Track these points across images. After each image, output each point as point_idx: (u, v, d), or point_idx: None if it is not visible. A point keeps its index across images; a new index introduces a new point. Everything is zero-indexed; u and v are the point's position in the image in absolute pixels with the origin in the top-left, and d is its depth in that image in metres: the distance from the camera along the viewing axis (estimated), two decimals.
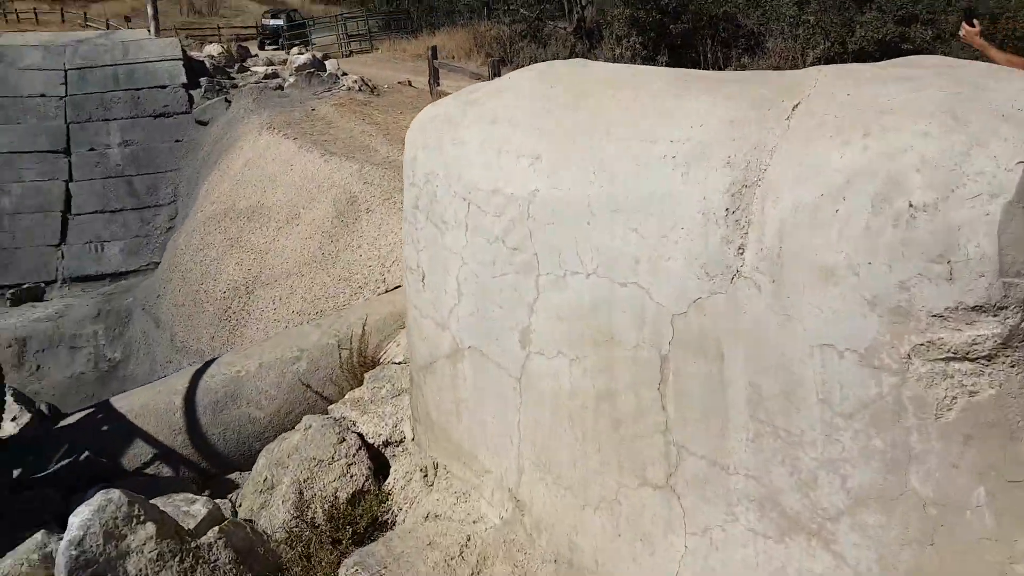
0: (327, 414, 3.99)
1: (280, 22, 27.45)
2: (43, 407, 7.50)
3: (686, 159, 2.13)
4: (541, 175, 2.48)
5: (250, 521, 3.23)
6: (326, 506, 3.22)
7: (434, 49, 12.55)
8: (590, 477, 2.44)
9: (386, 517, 3.27)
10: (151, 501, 3.13)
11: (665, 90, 2.40)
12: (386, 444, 3.62)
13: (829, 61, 12.28)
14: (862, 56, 12.19)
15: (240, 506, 3.41)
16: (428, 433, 3.20)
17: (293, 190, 8.20)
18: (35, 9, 34.39)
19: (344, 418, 3.80)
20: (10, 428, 6.42)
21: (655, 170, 2.19)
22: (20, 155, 11.13)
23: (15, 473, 3.68)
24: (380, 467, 3.54)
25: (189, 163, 11.78)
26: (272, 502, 3.28)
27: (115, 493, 2.48)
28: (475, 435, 2.86)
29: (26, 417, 6.57)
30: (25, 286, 9.95)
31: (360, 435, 3.63)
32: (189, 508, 3.10)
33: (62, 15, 33.70)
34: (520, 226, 2.53)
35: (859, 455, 1.84)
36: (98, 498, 2.48)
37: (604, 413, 2.37)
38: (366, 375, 4.18)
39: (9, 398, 6.13)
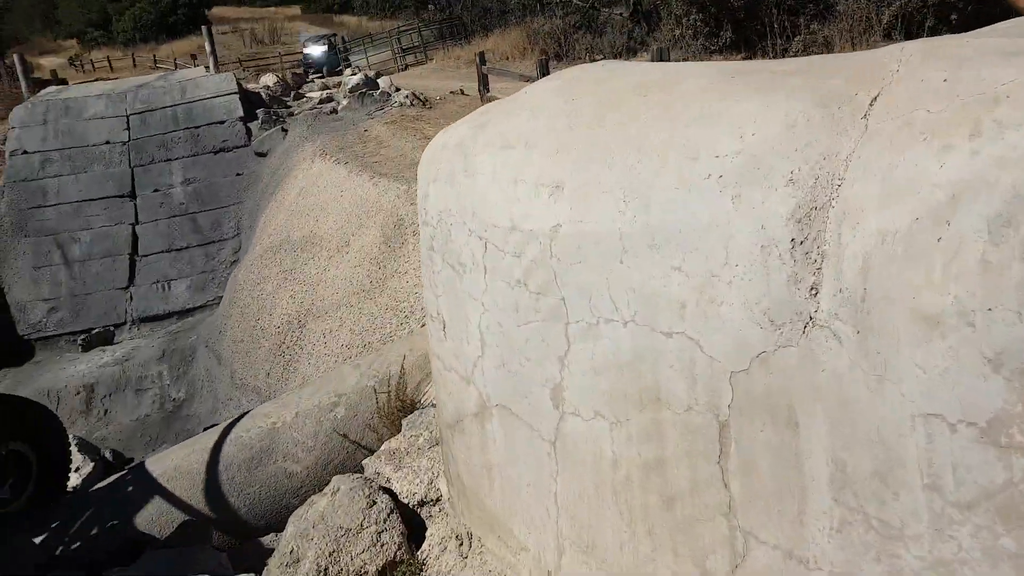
0: (361, 471, 3.69)
1: (321, 50, 26.07)
2: (107, 454, 7.56)
3: (736, 178, 1.70)
4: (563, 206, 2.08)
5: None
6: None
7: (481, 55, 12.28)
8: (641, 565, 2.02)
9: None
10: None
11: (707, 90, 1.96)
12: (421, 504, 3.27)
13: (907, 18, 11.32)
14: (945, 7, 11.18)
15: None
16: (461, 498, 2.83)
17: (343, 217, 8.04)
18: (108, 58, 36.18)
19: (378, 474, 3.48)
20: (74, 479, 6.42)
21: (698, 193, 1.77)
22: (88, 203, 11.45)
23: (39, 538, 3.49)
24: (415, 529, 3.20)
25: (250, 196, 11.87)
26: None
27: None
28: (509, 505, 2.47)
29: (89, 466, 6.58)
30: (95, 331, 10.18)
31: (393, 495, 3.30)
32: None
33: (133, 60, 35.33)
34: (543, 267, 2.14)
35: (982, 557, 1.37)
36: None
37: (653, 488, 1.95)
38: (403, 421, 3.85)
39: (73, 448, 6.11)
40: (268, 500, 3.95)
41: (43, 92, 13.70)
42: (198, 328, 9.68)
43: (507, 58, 18.36)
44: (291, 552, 3.13)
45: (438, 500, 3.24)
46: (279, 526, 3.92)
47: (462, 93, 14.28)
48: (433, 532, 3.10)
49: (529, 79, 9.45)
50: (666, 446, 1.90)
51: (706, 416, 1.80)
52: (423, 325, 5.06)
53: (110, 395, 8.65)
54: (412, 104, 12.88)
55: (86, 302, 10.71)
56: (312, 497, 3.38)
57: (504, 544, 2.52)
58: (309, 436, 4.08)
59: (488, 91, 11.49)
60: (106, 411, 8.56)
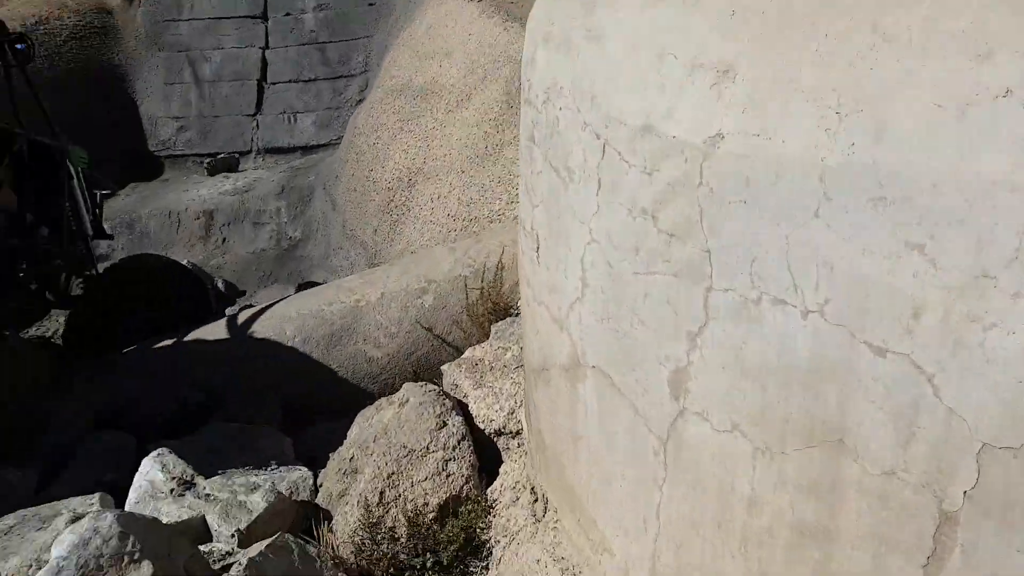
0: (438, 377, 3.25)
1: None
2: (220, 284, 7.67)
3: None
4: (732, 105, 1.32)
5: (327, 518, 2.60)
6: (410, 514, 2.50)
7: None
8: None
9: (485, 536, 2.49)
10: (214, 475, 2.59)
11: None
12: (499, 433, 2.79)
13: None
14: None
15: (321, 485, 2.80)
16: (539, 454, 2.30)
17: (468, 65, 7.27)
18: None
19: (456, 386, 3.01)
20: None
21: (988, 121, 0.98)
22: (221, 21, 11.16)
23: None
24: (488, 460, 2.74)
25: (381, 29, 11.19)
26: (350, 494, 2.62)
27: (107, 520, 1.89)
28: (596, 491, 1.91)
29: None
30: (221, 156, 10.19)
31: (469, 416, 2.84)
32: (247, 498, 2.52)
33: None
34: (685, 195, 1.42)
35: None
36: (86, 525, 1.91)
37: (807, 563, 1.31)
38: (493, 327, 3.32)
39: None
40: (345, 382, 3.63)
41: None
42: (318, 167, 9.48)
43: None
44: (351, 459, 2.76)
45: (518, 433, 2.74)
46: (354, 408, 3.62)
47: None
48: (508, 471, 2.63)
49: None
50: (841, 513, 1.23)
51: (920, 495, 1.10)
52: None
53: (229, 224, 8.71)
54: None
55: (214, 125, 10.71)
56: (380, 401, 2.97)
57: (584, 533, 1.99)
58: (393, 321, 3.66)
59: None
60: (224, 240, 8.66)
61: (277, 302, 3.93)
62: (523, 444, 2.71)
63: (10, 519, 2.40)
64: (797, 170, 1.20)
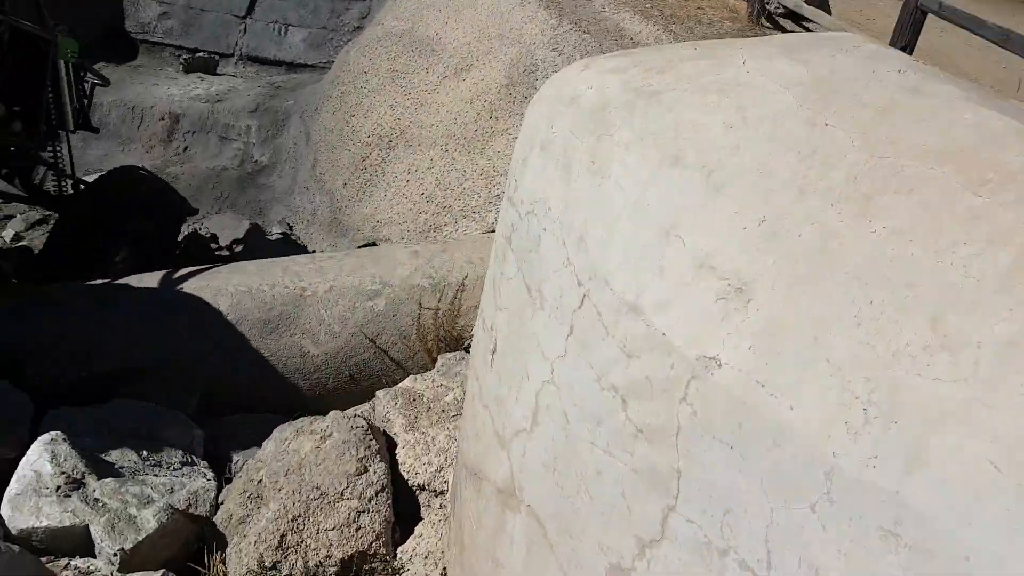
0: (373, 387, 3.09)
1: None
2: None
3: None
4: (740, 335, 1.17)
5: (220, 545, 2.45)
6: (309, 564, 2.37)
7: None
8: None
9: None
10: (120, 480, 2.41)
11: None
12: (422, 488, 2.67)
13: None
14: None
15: (222, 503, 2.64)
16: (456, 547, 2.17)
17: (474, 31, 6.91)
18: None
19: (386, 420, 2.87)
20: None
21: None
22: None
23: None
24: (404, 514, 2.62)
25: None
26: (250, 526, 2.47)
27: None
28: None
29: None
30: (200, 54, 9.60)
31: (392, 460, 2.70)
32: (138, 512, 2.35)
33: None
34: (665, 402, 1.27)
35: None
36: None
37: None
38: (440, 358, 3.17)
39: None
40: (273, 374, 3.44)
41: None
42: (299, 92, 9.01)
43: None
44: (258, 483, 2.61)
45: (442, 493, 2.62)
46: (280, 404, 3.44)
47: None
48: (424, 534, 2.52)
49: None
50: None
51: None
52: None
53: (193, 132, 8.24)
54: None
55: (199, 19, 10.05)
56: (303, 422, 2.81)
57: None
58: (337, 320, 3.47)
59: None
60: (185, 148, 8.20)
61: (216, 267, 3.68)
62: (445, 506, 2.59)
63: None
64: (800, 452, 1.06)
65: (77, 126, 4.74)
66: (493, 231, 4.35)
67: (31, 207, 6.36)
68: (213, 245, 6.77)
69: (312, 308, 3.48)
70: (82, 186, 4.78)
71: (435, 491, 2.63)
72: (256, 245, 6.84)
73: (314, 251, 6.45)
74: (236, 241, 7.10)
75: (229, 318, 3.37)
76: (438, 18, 7.57)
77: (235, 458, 3.03)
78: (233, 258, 5.92)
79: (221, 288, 3.45)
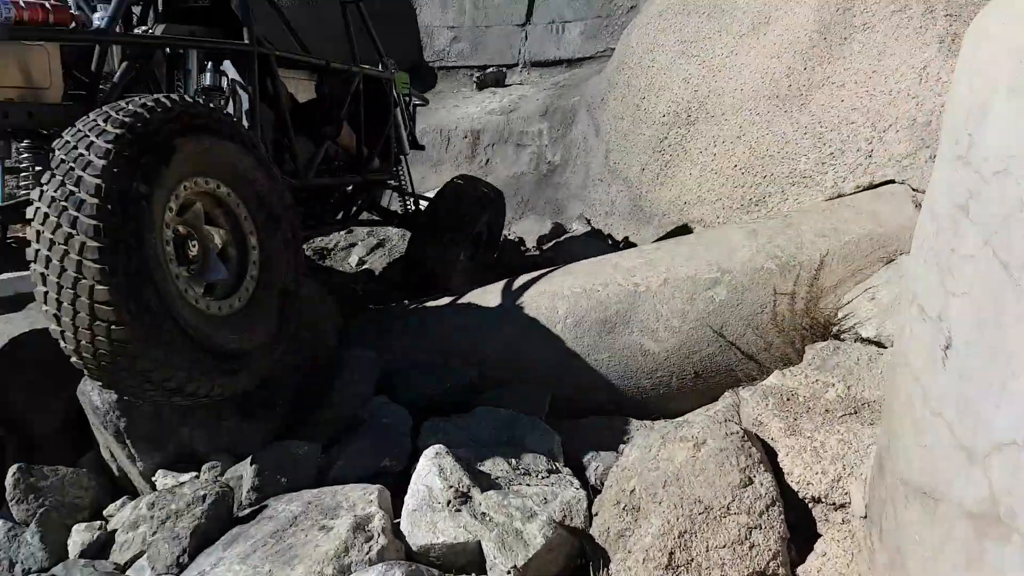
0: (725, 385, 2.80)
1: None
2: None
3: None
4: None
5: (603, 560, 2.35)
6: None
7: None
8: None
9: None
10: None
11: None
12: (816, 500, 2.32)
13: None
14: None
15: (596, 514, 2.55)
16: (888, 573, 1.80)
17: None
18: None
19: (759, 423, 2.56)
20: None
21: None
22: None
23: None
24: (798, 530, 2.30)
25: None
26: (633, 541, 2.33)
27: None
28: None
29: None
30: (489, 70, 10.12)
31: (776, 470, 2.39)
32: (523, 527, 2.33)
33: None
34: None
35: None
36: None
37: None
38: (809, 348, 2.77)
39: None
40: (616, 374, 3.33)
41: None
42: (582, 87, 9.03)
43: None
44: (631, 492, 2.47)
45: (843, 506, 2.25)
46: (623, 405, 3.33)
47: None
48: (827, 554, 2.18)
49: None
50: None
51: None
52: (861, 189, 3.64)
53: (493, 145, 8.68)
54: None
55: (485, 36, 10.62)
56: (667, 428, 2.62)
57: None
58: (676, 314, 3.24)
59: None
60: (487, 160, 8.68)
61: (550, 272, 3.68)
62: (848, 520, 2.22)
63: (296, 505, 2.45)
64: None
65: (412, 147, 5.30)
66: (838, 196, 3.80)
67: (370, 234, 7.19)
68: (523, 248, 7.02)
69: (648, 303, 3.29)
70: (423, 202, 5.21)
71: (833, 504, 2.27)
72: (561, 244, 6.96)
73: (619, 242, 6.35)
74: (543, 239, 7.31)
75: (569, 321, 3.33)
76: None
77: (593, 464, 2.95)
78: (544, 260, 6.04)
79: (558, 292, 3.42)
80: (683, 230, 5.25)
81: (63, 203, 2.02)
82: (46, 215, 2.04)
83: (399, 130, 5.05)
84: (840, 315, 2.90)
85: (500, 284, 3.63)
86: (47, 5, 2.42)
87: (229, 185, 2.53)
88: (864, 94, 4.35)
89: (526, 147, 8.68)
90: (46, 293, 2.07)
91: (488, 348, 3.39)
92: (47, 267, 2.05)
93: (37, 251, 2.07)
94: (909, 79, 4.13)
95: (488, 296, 3.60)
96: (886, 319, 2.81)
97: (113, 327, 2.04)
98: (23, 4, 2.34)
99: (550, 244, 6.89)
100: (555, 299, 3.42)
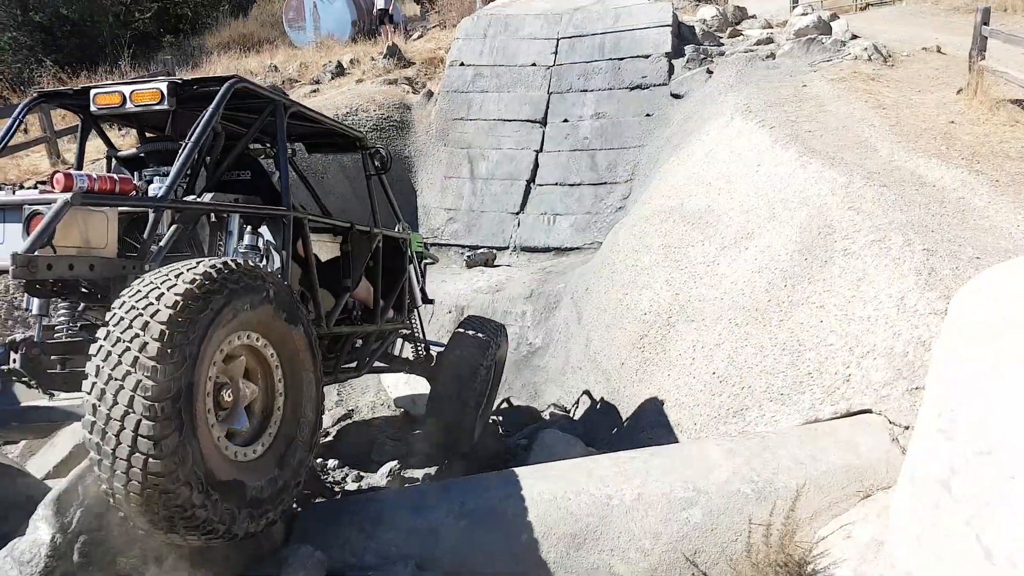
0: None
1: None
2: None
3: None
4: None
5: None
6: None
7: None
8: None
9: None
10: None
11: None
12: None
13: None
14: None
15: None
16: None
17: (752, 198, 6.63)
18: None
19: None
20: None
21: None
22: (503, 123, 11.67)
23: None
24: None
25: (654, 140, 10.98)
26: None
27: None
28: None
29: None
30: (480, 250, 10.44)
31: None
32: None
33: None
34: None
35: None
36: None
37: None
38: None
39: None
40: None
41: (490, 6, 14.31)
42: (568, 275, 9.28)
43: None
44: None
45: None
46: None
47: (938, 51, 11.25)
48: None
49: None
50: None
51: None
52: (838, 416, 3.59)
53: None
54: (869, 59, 10.48)
55: (480, 219, 11.07)
56: None
57: None
58: (648, 534, 3.04)
59: (984, 58, 8.61)
60: None
61: (521, 471, 3.50)
62: None
63: None
64: None
65: (423, 301, 5.76)
66: (813, 421, 3.74)
67: (338, 403, 7.07)
68: (501, 432, 6.84)
69: (620, 520, 3.10)
70: (433, 351, 5.62)
71: None
72: (538, 433, 6.78)
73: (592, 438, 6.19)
74: (521, 424, 7.13)
75: (535, 532, 3.12)
76: (708, 191, 7.46)
77: None
78: (520, 450, 5.85)
79: (526, 496, 3.23)
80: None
81: (127, 344, 2.28)
82: (108, 352, 2.29)
83: (413, 284, 5.50)
84: (815, 552, 2.72)
85: (465, 481, 3.43)
86: (115, 177, 2.90)
87: (270, 341, 2.82)
88: (843, 317, 4.43)
89: (509, 327, 8.73)
90: (93, 423, 2.27)
91: (446, 556, 3.13)
92: (100, 399, 2.26)
93: (93, 384, 2.29)
94: (887, 307, 4.22)
95: (452, 494, 3.40)
96: (862, 563, 2.64)
97: (151, 460, 2.22)
98: (95, 176, 2.79)
99: (527, 431, 6.71)
100: (522, 505, 3.22)
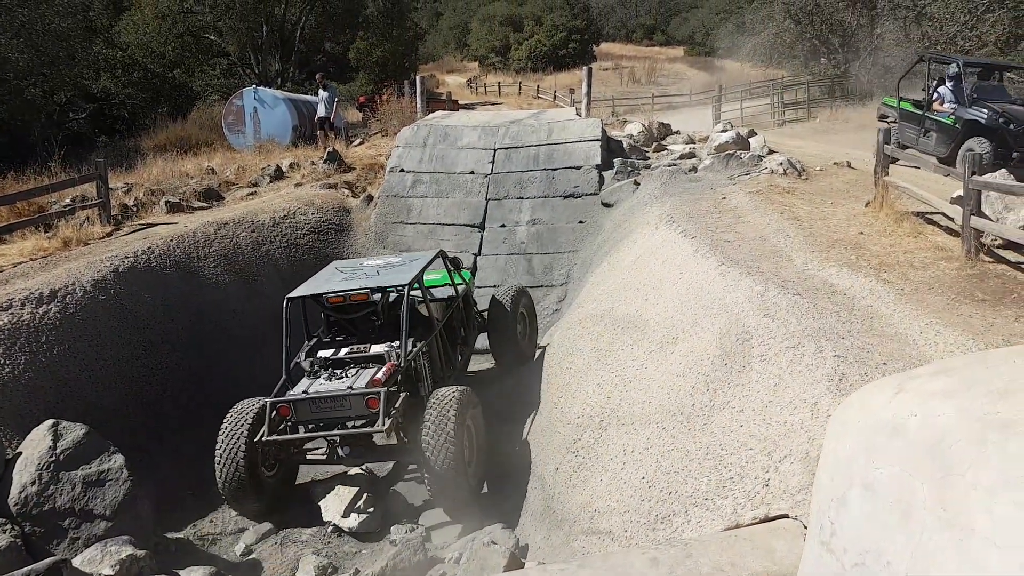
0: None
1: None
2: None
3: None
4: None
5: None
6: None
7: (887, 131, 10.09)
8: None
9: None
10: None
11: None
12: None
13: None
14: None
15: None
16: None
17: (676, 304, 6.90)
18: (499, 83, 39.98)
19: None
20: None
21: None
22: (443, 227, 11.97)
23: None
24: None
25: (587, 246, 11.41)
26: None
27: None
28: None
29: None
30: None
31: None
32: None
33: (519, 88, 38.50)
34: None
35: None
36: None
37: None
38: None
39: None
40: None
41: (429, 117, 14.92)
42: (503, 378, 9.33)
43: None
44: None
45: None
46: None
47: (848, 166, 12.22)
48: None
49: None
50: None
51: None
52: (758, 521, 3.68)
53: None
54: (785, 173, 11.27)
55: None
56: None
57: None
58: None
59: (887, 174, 9.39)
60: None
61: None
62: None
63: None
64: None
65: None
66: (735, 527, 3.81)
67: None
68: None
69: None
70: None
71: None
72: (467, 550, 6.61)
73: (526, 546, 6.09)
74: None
75: None
76: (637, 296, 7.75)
77: None
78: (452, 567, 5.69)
79: None
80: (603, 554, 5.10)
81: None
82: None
83: (473, 313, 9.20)
84: None
85: None
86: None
87: None
88: (761, 422, 4.59)
89: None
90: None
91: None
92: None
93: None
94: (802, 413, 4.40)
95: None
96: None
97: None
98: None
99: (460, 543, 6.53)
100: None
